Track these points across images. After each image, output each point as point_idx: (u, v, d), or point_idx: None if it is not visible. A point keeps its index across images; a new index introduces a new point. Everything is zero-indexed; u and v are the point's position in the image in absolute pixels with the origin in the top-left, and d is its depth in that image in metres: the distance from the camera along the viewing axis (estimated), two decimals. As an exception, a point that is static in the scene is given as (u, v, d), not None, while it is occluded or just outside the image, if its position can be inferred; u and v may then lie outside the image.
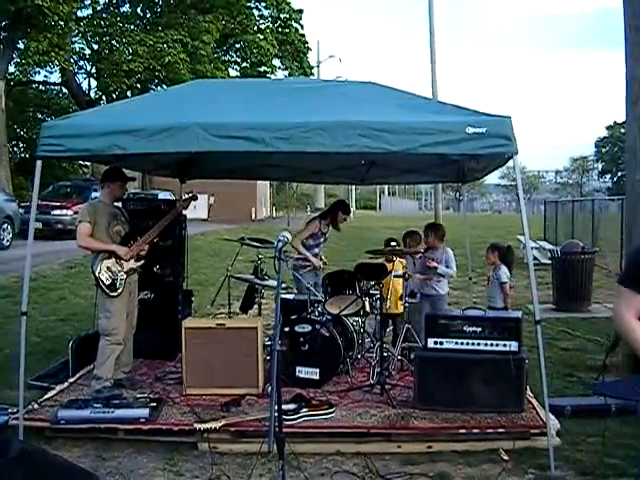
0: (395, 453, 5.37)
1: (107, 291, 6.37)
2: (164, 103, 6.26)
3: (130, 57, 31.11)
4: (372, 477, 5.00)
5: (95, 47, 34.64)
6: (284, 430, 4.13)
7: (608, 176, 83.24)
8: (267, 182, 45.06)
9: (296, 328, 6.80)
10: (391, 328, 8.12)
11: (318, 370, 6.67)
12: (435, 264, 7.48)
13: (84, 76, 37.47)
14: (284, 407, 4.85)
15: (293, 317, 7.06)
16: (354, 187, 57.22)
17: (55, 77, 37.86)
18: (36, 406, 5.90)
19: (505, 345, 5.93)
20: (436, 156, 6.44)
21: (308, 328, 6.79)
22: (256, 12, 38.49)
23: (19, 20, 26.23)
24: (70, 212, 21.49)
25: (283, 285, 7.46)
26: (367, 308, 7.37)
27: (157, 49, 30.97)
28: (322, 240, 8.30)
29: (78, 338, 7.38)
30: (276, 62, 39.08)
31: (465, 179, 8.48)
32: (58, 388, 6.54)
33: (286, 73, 38.93)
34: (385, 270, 7.46)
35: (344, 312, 7.16)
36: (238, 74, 38.28)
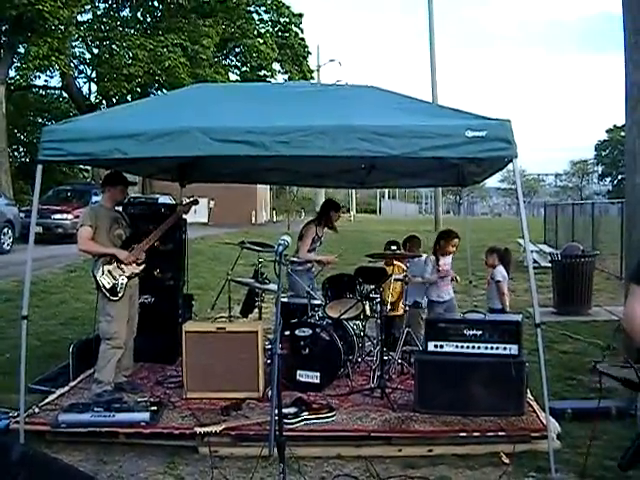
0: (396, 456, 5.37)
1: (108, 295, 6.38)
2: (164, 107, 6.28)
3: (130, 61, 31.18)
4: (373, 480, 5.00)
5: (95, 51, 34.73)
6: (285, 434, 4.14)
7: (608, 179, 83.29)
8: (267, 186, 45.14)
9: (296, 332, 6.79)
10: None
11: (318, 374, 6.66)
12: (452, 273, 7.88)
13: (84, 80, 37.67)
14: (285, 411, 4.86)
15: (293, 321, 7.07)
16: (354, 191, 57.30)
17: (55, 81, 37.91)
18: (37, 410, 5.90)
19: (505, 348, 5.93)
20: (436, 160, 6.45)
21: (308, 332, 6.79)
22: (256, 16, 38.61)
23: (20, 25, 26.27)
24: (70, 216, 21.50)
25: (283, 289, 7.46)
26: (367, 312, 7.38)
27: (157, 53, 31.04)
28: (318, 244, 8.35)
29: (79, 342, 7.37)
30: (276, 66, 39.19)
31: (465, 182, 8.49)
32: (59, 392, 6.54)
33: (286, 77, 39.01)
34: (385, 273, 7.46)
35: (344, 316, 7.16)
36: (238, 78, 38.36)
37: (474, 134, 5.09)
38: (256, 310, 8.18)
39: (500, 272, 7.66)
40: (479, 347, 6.00)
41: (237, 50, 39.05)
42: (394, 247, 7.74)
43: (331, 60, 53.97)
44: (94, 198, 21.75)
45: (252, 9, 38.01)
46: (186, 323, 7.00)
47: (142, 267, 6.67)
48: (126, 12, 36.17)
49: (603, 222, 19.36)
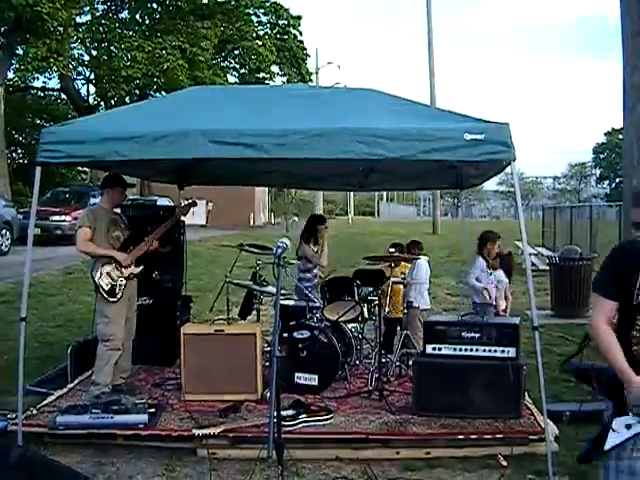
0: (393, 459, 5.37)
1: (106, 297, 6.38)
2: (164, 110, 6.28)
3: (129, 63, 31.17)
4: (370, 483, 5.00)
5: (94, 53, 34.73)
6: (283, 436, 4.14)
7: (606, 182, 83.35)
8: (265, 188, 45.11)
9: (295, 334, 6.80)
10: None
11: (317, 376, 6.67)
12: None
13: (83, 82, 37.64)
14: (283, 413, 4.86)
15: (292, 323, 7.08)
16: (352, 193, 57.26)
17: (54, 83, 37.84)
18: (35, 412, 5.89)
19: (503, 351, 5.94)
20: (434, 162, 6.45)
21: (307, 334, 6.80)
22: (254, 18, 38.62)
23: (18, 26, 26.27)
24: (69, 218, 21.50)
25: (282, 291, 7.47)
26: (365, 314, 7.38)
27: (156, 55, 31.05)
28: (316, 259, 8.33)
29: (77, 344, 7.37)
30: (274, 68, 39.22)
31: (463, 185, 8.49)
32: (57, 394, 6.54)
33: (284, 79, 39.04)
34: (383, 276, 7.47)
35: (342, 318, 7.17)
36: (236, 80, 38.38)
37: (472, 137, 5.10)
38: (254, 312, 8.18)
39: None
40: (477, 350, 6.01)
41: (235, 52, 39.08)
42: (392, 249, 7.76)
43: (329, 63, 53.86)
44: (92, 200, 21.74)
45: (251, 11, 38.01)
46: (184, 325, 7.00)
47: (140, 269, 6.68)
48: (125, 14, 36.17)
49: (601, 225, 19.39)
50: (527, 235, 5.46)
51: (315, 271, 8.32)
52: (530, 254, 16.69)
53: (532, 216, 60.39)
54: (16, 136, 37.74)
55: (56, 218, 21.78)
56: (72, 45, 33.21)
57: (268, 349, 7.07)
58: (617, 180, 71.78)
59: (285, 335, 6.73)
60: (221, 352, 6.39)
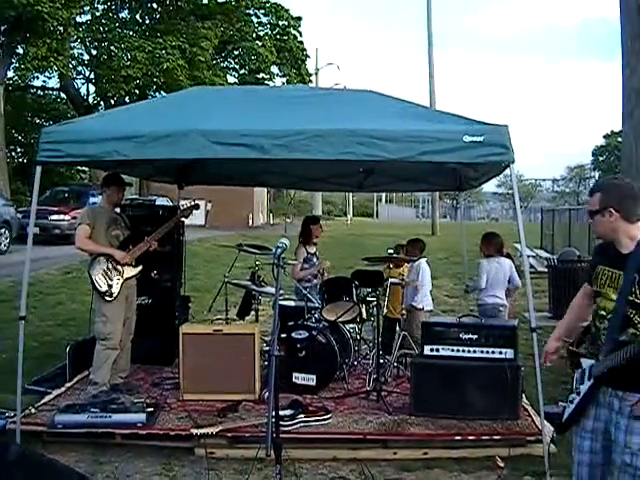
0: (391, 459, 5.38)
1: (103, 295, 6.39)
2: (164, 110, 6.29)
3: (129, 63, 31.19)
4: (368, 483, 5.01)
5: (94, 52, 34.73)
6: (281, 436, 4.15)
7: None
8: (264, 189, 45.12)
9: (293, 334, 6.81)
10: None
11: (315, 376, 6.68)
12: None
13: (82, 81, 37.65)
14: (281, 413, 4.87)
15: (290, 323, 7.08)
16: (351, 194, 57.30)
17: (53, 82, 37.89)
18: (33, 410, 5.90)
19: (501, 352, 5.96)
20: (433, 164, 6.45)
21: (305, 335, 6.81)
22: (255, 19, 38.70)
23: (18, 25, 26.27)
24: (68, 217, 21.47)
25: (281, 292, 7.47)
26: (364, 315, 7.39)
27: (156, 55, 31.06)
28: (315, 259, 8.33)
29: (75, 343, 7.38)
30: (274, 69, 39.28)
31: (462, 187, 8.51)
32: (55, 393, 6.55)
33: (284, 80, 39.05)
34: (382, 277, 7.47)
35: (341, 319, 7.18)
36: (236, 81, 38.39)
37: (471, 139, 5.12)
38: (253, 312, 8.19)
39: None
40: (475, 351, 6.02)
41: (235, 53, 39.11)
42: (390, 250, 7.77)
43: (329, 63, 53.83)
44: (91, 199, 21.76)
45: (251, 12, 38.08)
46: (183, 325, 7.01)
47: (139, 269, 6.68)
48: (125, 14, 36.23)
49: (600, 227, 19.33)
50: (526, 237, 5.47)
51: (314, 271, 8.30)
52: (528, 256, 16.67)
53: (531, 218, 60.39)
54: (16, 135, 37.72)
55: (55, 217, 21.75)
56: (72, 44, 33.24)
57: (266, 349, 7.08)
58: (616, 183, 71.68)
59: (283, 335, 6.74)
60: (219, 352, 6.40)
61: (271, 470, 4.43)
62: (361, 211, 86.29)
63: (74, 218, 19.36)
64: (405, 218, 78.87)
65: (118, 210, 7.05)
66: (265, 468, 5.03)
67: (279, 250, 4.29)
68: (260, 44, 36.90)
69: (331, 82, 52.59)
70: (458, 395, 5.87)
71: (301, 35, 39.82)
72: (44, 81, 40.82)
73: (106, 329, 6.42)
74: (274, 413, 4.08)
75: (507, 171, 5.62)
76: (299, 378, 6.70)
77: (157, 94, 33.26)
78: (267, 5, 37.98)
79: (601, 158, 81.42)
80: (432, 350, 6.14)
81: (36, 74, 31.82)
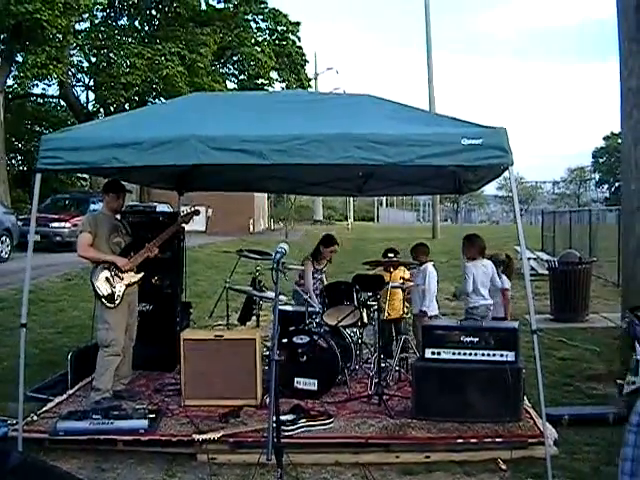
0: (393, 463, 5.38)
1: (105, 302, 6.39)
2: (163, 116, 6.30)
3: (128, 70, 31.19)
4: (370, 487, 5.01)
5: (93, 60, 34.73)
6: (282, 441, 4.15)
7: (605, 186, 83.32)
8: (265, 194, 45.13)
9: (294, 339, 6.82)
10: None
11: (316, 381, 6.68)
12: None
13: (82, 89, 37.67)
14: (282, 418, 4.87)
15: (291, 328, 7.09)
16: (352, 199, 57.28)
17: (53, 90, 37.77)
18: (35, 418, 5.91)
19: (502, 355, 5.96)
20: (433, 167, 6.47)
21: (306, 339, 6.81)
22: (253, 25, 38.70)
23: (18, 33, 26.31)
24: (68, 225, 21.50)
25: (281, 297, 7.48)
26: (365, 319, 7.40)
27: (155, 62, 31.08)
28: (319, 276, 8.34)
29: (77, 350, 7.39)
30: (273, 74, 39.22)
31: (461, 190, 8.52)
32: (57, 400, 6.55)
33: (283, 85, 39.07)
34: (382, 281, 7.48)
35: (342, 323, 7.18)
36: (235, 86, 38.40)
37: (470, 142, 5.13)
38: (254, 318, 8.19)
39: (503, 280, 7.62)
40: (476, 354, 6.03)
41: (234, 58, 39.11)
42: (391, 254, 7.76)
43: (328, 68, 54.20)
44: (92, 206, 21.75)
45: (249, 17, 38.07)
46: (184, 331, 7.02)
47: (140, 275, 6.69)
48: (124, 21, 36.25)
49: (600, 229, 19.39)
50: (527, 240, 5.48)
51: (317, 275, 8.31)
52: (529, 258, 16.71)
53: (532, 220, 60.36)
54: (16, 143, 37.74)
55: (56, 225, 21.76)
56: (71, 52, 33.23)
57: (267, 354, 7.07)
58: (616, 184, 71.70)
59: (285, 340, 6.74)
60: (221, 358, 6.40)
61: (273, 475, 4.43)
62: (362, 215, 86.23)
63: (75, 225, 19.40)
64: (406, 222, 78.76)
65: (119, 217, 7.05)
66: (267, 473, 5.01)
67: (278, 255, 4.30)
68: (259, 50, 36.92)
69: (330, 87, 52.76)
70: (460, 398, 5.87)
71: (300, 40, 39.90)
72: (44, 89, 40.77)
73: (109, 336, 6.42)
74: (274, 418, 4.09)
75: (507, 173, 5.63)
76: (301, 383, 6.70)
77: (157, 101, 33.28)
78: (266, 11, 38.01)
79: (601, 160, 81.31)
80: (433, 353, 6.14)
81: (36, 82, 31.83)
